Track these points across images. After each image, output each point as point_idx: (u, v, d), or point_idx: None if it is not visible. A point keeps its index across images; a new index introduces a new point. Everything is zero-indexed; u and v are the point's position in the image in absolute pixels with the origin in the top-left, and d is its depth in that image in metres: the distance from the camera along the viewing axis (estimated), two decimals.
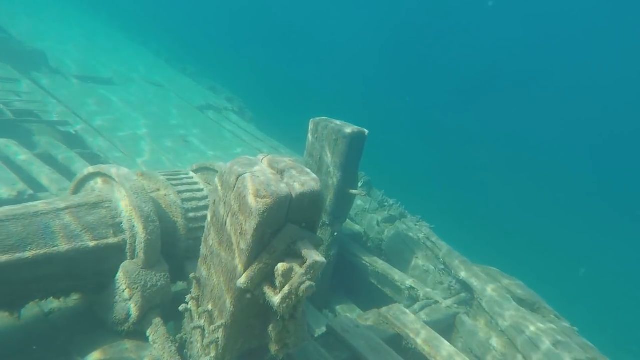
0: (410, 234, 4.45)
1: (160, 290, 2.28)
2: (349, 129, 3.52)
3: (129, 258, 2.30)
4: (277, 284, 1.83)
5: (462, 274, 3.45)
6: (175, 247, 2.55)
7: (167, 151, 6.52)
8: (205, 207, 2.73)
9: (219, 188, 1.97)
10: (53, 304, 2.27)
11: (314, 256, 1.80)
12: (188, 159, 6.47)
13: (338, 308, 3.77)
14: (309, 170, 2.02)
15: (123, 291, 2.20)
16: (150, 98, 9.15)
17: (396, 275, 3.69)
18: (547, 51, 28.09)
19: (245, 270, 1.85)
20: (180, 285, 2.74)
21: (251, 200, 1.76)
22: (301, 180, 1.88)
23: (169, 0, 29.54)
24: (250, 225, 1.78)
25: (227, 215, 1.92)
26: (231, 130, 8.79)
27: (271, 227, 1.82)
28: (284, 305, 1.80)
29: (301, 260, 1.86)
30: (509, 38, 28.52)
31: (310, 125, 3.79)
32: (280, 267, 1.82)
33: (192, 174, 2.97)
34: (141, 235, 2.25)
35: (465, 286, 3.44)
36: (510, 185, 20.70)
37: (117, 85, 9.29)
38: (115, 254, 2.25)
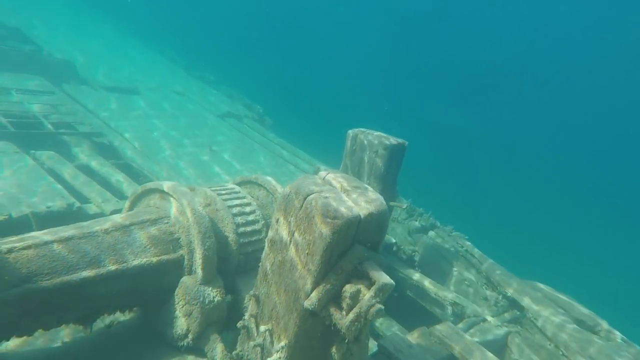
0: (446, 245, 4.36)
1: (217, 306, 2.30)
2: (390, 141, 3.49)
3: (186, 273, 2.33)
4: (344, 305, 1.81)
5: (510, 290, 3.34)
6: (227, 262, 2.57)
7: (195, 159, 6.63)
8: (254, 222, 2.74)
9: (284, 206, 1.97)
10: (110, 316, 2.31)
11: (383, 278, 1.77)
12: (215, 168, 6.56)
13: (376, 323, 3.71)
14: (371, 189, 2.00)
15: (183, 307, 2.22)
16: (174, 107, 9.35)
17: (436, 289, 3.61)
18: (557, 48, 27.58)
19: (312, 291, 1.84)
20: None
21: (321, 221, 1.76)
22: (368, 200, 1.87)
23: (185, 8, 30.33)
24: (319, 246, 1.77)
25: (292, 235, 1.92)
26: (253, 138, 8.89)
27: (340, 248, 1.80)
28: (353, 329, 1.77)
29: (368, 281, 1.84)
30: (520, 36, 28.12)
31: (348, 136, 3.78)
32: (348, 288, 1.80)
33: (237, 188, 2.99)
34: (199, 251, 2.28)
35: (514, 303, 3.33)
36: (512, 185, 20.28)
37: (142, 94, 9.53)
38: (174, 269, 2.28)
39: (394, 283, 1.80)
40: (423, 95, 27.36)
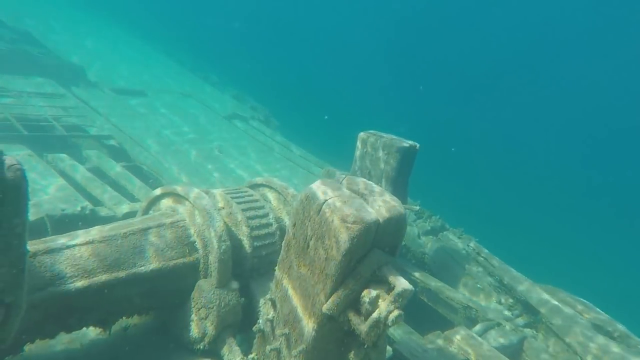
0: (457, 248, 4.33)
1: (233, 309, 2.30)
2: (402, 143, 3.48)
3: (202, 277, 2.33)
4: (363, 310, 1.80)
5: (524, 294, 3.30)
6: (241, 265, 2.57)
7: (204, 161, 6.66)
8: (267, 225, 2.75)
9: (301, 211, 1.97)
10: (127, 320, 2.33)
11: (403, 284, 1.76)
12: (224, 169, 6.58)
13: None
14: (389, 193, 1.99)
15: (199, 310, 2.23)
16: (181, 108, 9.41)
17: (449, 292, 3.58)
18: (559, 47, 27.34)
19: (330, 296, 1.83)
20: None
21: (340, 226, 1.75)
22: (386, 205, 1.86)
23: (191, 9, 30.53)
24: (338, 251, 1.77)
25: (310, 239, 1.91)
26: (260, 140, 8.91)
27: (358, 253, 1.80)
28: (372, 334, 1.76)
29: (386, 286, 1.83)
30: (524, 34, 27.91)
31: (359, 139, 3.77)
32: (367, 294, 1.79)
33: (250, 191, 3.00)
34: (214, 254, 2.28)
35: (528, 307, 3.29)
36: (520, 186, 20.09)
37: (149, 96, 9.59)
38: (190, 272, 2.29)
39: (413, 288, 1.79)
40: (428, 95, 27.26)
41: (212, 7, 32.60)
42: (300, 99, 21.79)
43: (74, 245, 1.82)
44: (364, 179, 2.11)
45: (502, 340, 2.96)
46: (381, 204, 1.86)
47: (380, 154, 3.58)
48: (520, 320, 3.23)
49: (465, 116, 25.84)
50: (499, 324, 3.16)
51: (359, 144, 3.78)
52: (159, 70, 12.40)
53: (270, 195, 3.04)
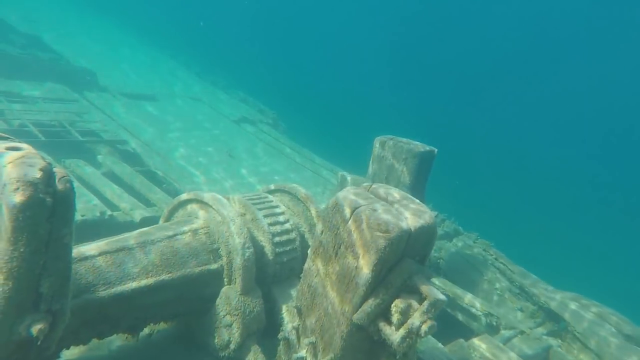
0: (473, 253, 4.28)
1: (257, 316, 2.29)
2: (420, 148, 3.45)
3: (225, 283, 2.33)
4: (394, 320, 1.78)
5: (547, 301, 3.24)
6: (263, 272, 2.56)
7: (217, 165, 6.68)
8: (288, 231, 2.73)
9: (330, 218, 1.96)
10: (153, 326, 2.32)
11: (436, 294, 1.73)
12: (238, 173, 6.59)
13: None
14: (418, 201, 1.97)
15: (224, 317, 2.22)
16: (191, 113, 9.47)
17: (468, 298, 3.53)
18: (561, 47, 27.06)
19: (360, 305, 1.81)
20: None
21: (371, 234, 1.73)
22: (417, 213, 1.84)
23: (197, 13, 30.82)
24: (369, 260, 1.75)
25: (339, 247, 1.90)
26: (269, 143, 8.93)
27: (390, 262, 1.78)
28: (404, 345, 1.74)
29: (417, 295, 1.80)
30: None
31: (376, 144, 3.75)
32: (399, 303, 1.77)
33: (270, 197, 2.99)
34: (239, 261, 2.28)
35: (551, 314, 3.24)
36: (530, 189, 19.83)
37: (159, 100, 9.67)
38: (214, 279, 2.29)
39: (446, 299, 1.76)
40: (436, 96, 27.15)
41: (218, 11, 32.86)
42: (307, 102, 21.82)
43: (104, 253, 1.83)
44: (394, 187, 2.09)
45: (527, 350, 2.90)
46: (412, 213, 1.84)
47: (398, 158, 3.56)
48: (543, 329, 3.17)
49: (476, 117, 25.67)
50: (522, 332, 3.11)
51: (375, 148, 3.77)
52: (167, 74, 12.51)
53: (288, 201, 3.04)
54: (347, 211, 1.85)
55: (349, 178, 4.22)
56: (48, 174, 1.20)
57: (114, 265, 1.80)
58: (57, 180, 1.21)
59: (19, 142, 1.41)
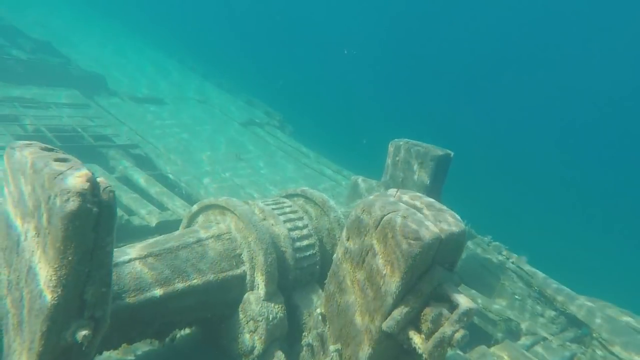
0: (489, 257, 4.24)
1: (280, 322, 2.28)
2: (436, 152, 3.43)
3: (248, 289, 2.32)
4: (424, 329, 1.76)
5: (570, 307, 3.19)
6: (284, 277, 2.55)
7: (228, 168, 6.69)
8: (308, 236, 2.72)
9: (357, 225, 1.94)
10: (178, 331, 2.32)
11: (467, 302, 1.71)
12: (249, 177, 6.60)
13: None
14: (446, 208, 1.95)
15: (247, 322, 2.22)
16: (200, 116, 9.51)
17: (486, 303, 3.49)
18: (563, 45, 26.76)
19: (389, 313, 1.80)
20: None
21: (402, 242, 1.72)
22: (447, 220, 1.82)
23: (203, 16, 30.99)
24: (399, 267, 1.73)
25: (367, 254, 1.89)
26: (276, 146, 8.94)
27: (420, 269, 1.76)
28: (435, 354, 1.72)
29: (447, 303, 1.78)
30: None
31: (390, 148, 3.74)
32: (429, 312, 1.75)
33: (288, 202, 2.98)
34: (262, 267, 2.27)
35: (574, 321, 3.18)
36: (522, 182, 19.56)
37: (168, 104, 9.73)
38: (238, 285, 2.28)
39: (477, 307, 1.74)
40: (437, 97, 27.02)
41: (226, 14, 33.03)
42: (313, 104, 21.79)
43: (133, 260, 1.84)
44: (420, 194, 2.07)
45: (551, 357, 2.85)
46: (441, 220, 1.82)
47: (414, 162, 3.54)
48: (566, 335, 3.12)
49: (480, 117, 25.50)
50: (544, 339, 3.06)
51: (390, 152, 3.75)
52: (174, 77, 12.58)
53: (307, 206, 3.03)
54: (375, 218, 1.84)
55: (361, 182, 4.20)
56: (94, 184, 1.23)
57: (143, 272, 1.81)
58: (101, 191, 1.22)
59: (64, 153, 1.43)
